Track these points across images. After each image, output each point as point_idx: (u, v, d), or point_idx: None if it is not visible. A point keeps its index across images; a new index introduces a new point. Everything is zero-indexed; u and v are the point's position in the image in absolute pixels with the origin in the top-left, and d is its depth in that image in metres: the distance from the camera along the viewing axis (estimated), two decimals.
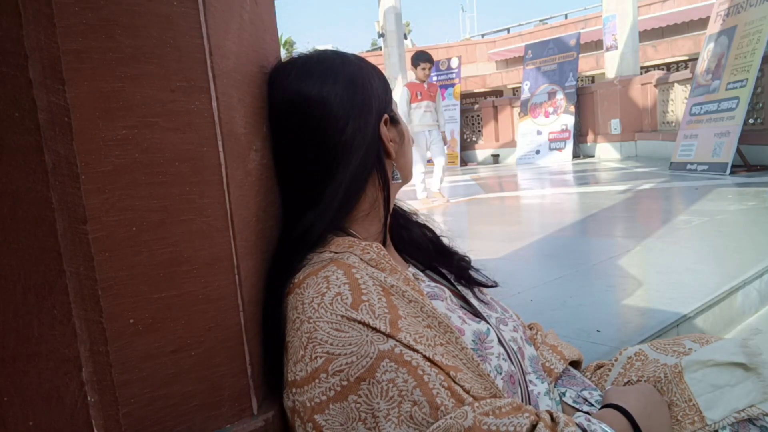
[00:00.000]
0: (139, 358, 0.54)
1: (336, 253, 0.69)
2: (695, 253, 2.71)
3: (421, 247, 0.87)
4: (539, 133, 10.47)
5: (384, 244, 0.77)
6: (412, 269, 0.80)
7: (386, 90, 0.79)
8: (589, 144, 10.46)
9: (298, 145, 0.73)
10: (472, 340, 0.69)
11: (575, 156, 10.14)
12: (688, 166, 6.44)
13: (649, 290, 2.11)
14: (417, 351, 0.59)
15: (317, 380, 0.59)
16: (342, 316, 0.60)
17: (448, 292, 0.77)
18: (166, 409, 0.57)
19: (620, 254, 2.65)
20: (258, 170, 0.71)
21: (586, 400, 0.79)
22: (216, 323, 0.60)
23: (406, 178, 0.82)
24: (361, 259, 0.68)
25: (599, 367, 0.91)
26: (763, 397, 0.74)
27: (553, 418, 0.61)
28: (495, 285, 0.88)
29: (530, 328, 0.93)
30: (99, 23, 0.51)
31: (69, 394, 0.51)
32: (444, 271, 0.85)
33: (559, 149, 10.15)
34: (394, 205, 0.87)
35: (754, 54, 5.78)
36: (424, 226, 0.91)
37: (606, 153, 9.96)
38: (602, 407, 0.73)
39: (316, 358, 0.60)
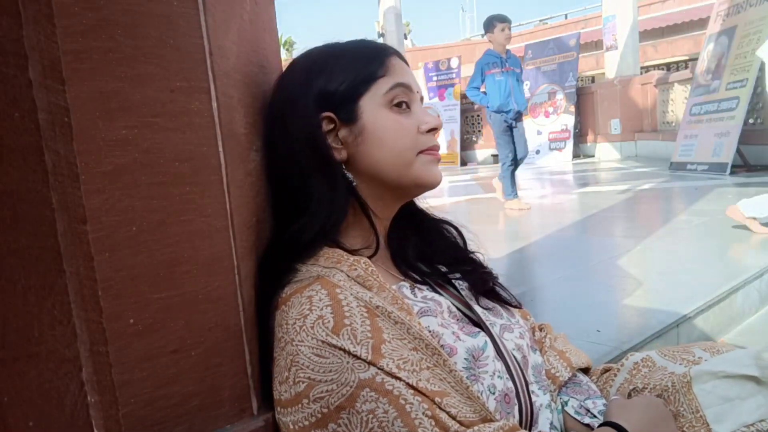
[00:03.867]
0: (139, 358, 0.54)
1: (324, 268, 0.67)
2: (695, 253, 2.71)
3: (435, 255, 0.82)
4: (539, 133, 10.46)
5: (376, 253, 0.73)
6: (407, 283, 0.75)
7: (344, 80, 0.71)
8: (589, 144, 10.45)
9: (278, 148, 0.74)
10: (465, 359, 0.67)
11: (575, 156, 10.14)
12: (688, 166, 6.44)
13: (649, 290, 2.11)
14: (400, 379, 0.58)
15: (300, 405, 0.59)
16: (323, 342, 0.59)
17: (446, 304, 0.73)
18: (166, 409, 0.57)
19: (620, 254, 2.65)
20: (258, 170, 0.71)
21: (588, 410, 0.77)
22: (216, 323, 0.60)
23: (378, 178, 0.73)
24: (348, 276, 0.66)
25: (606, 371, 0.89)
26: None
27: None
28: (519, 306, 0.85)
29: (540, 329, 0.90)
30: (99, 23, 0.51)
31: (69, 394, 0.51)
32: (457, 280, 0.80)
33: (559, 149, 10.15)
34: (416, 206, 0.83)
35: (754, 54, 5.77)
36: (449, 233, 0.86)
37: (606, 153, 9.95)
38: (602, 424, 0.71)
39: (298, 382, 0.59)
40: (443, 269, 0.81)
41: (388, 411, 0.57)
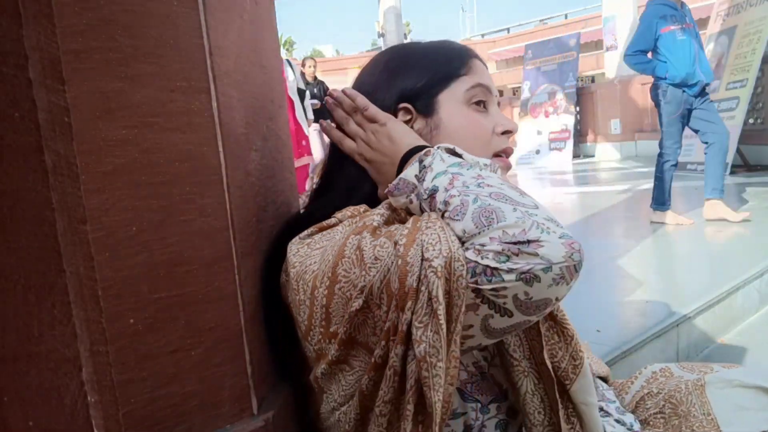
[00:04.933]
0: (139, 358, 0.54)
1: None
2: (695, 253, 2.71)
3: None
4: (539, 133, 10.45)
5: None
6: None
7: (425, 75, 0.73)
8: (589, 144, 10.45)
9: None
10: None
11: (575, 156, 10.13)
12: (688, 166, 6.44)
13: (649, 290, 2.11)
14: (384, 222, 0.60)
15: (315, 301, 0.60)
16: (309, 235, 0.64)
17: None
18: (166, 409, 0.57)
19: (620, 254, 2.65)
20: (258, 170, 0.71)
21: (601, 409, 0.77)
22: (216, 323, 0.60)
23: None
24: (352, 215, 0.67)
25: (621, 384, 0.90)
26: None
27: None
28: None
29: None
30: (99, 23, 0.51)
31: (69, 394, 0.51)
32: None
33: (559, 149, 10.14)
34: None
35: (754, 54, 5.77)
36: None
37: (606, 153, 9.95)
38: None
39: (306, 286, 0.60)
40: None
41: (366, 238, 0.57)
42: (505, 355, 0.64)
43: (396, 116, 0.73)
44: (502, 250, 0.51)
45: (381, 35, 12.03)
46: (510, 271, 0.50)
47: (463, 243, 0.54)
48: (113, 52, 0.52)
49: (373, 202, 0.71)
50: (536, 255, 0.50)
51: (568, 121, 10.15)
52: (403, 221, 0.63)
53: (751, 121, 6.21)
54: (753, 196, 4.19)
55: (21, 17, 0.47)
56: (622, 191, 5.19)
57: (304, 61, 6.97)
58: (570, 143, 10.06)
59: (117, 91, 0.52)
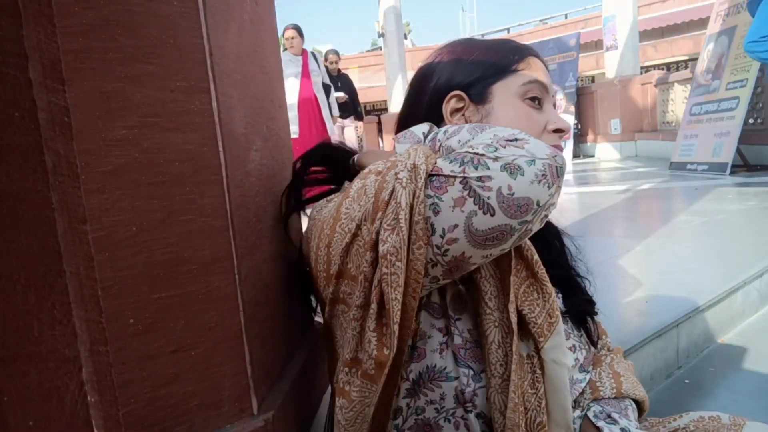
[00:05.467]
0: (139, 358, 0.54)
1: None
2: (695, 253, 2.71)
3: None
4: None
5: None
6: None
7: (482, 65, 0.75)
8: (589, 144, 10.45)
9: None
10: None
11: (575, 156, 10.13)
12: (688, 166, 6.44)
13: (649, 290, 2.11)
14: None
15: (320, 243, 0.64)
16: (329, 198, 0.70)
17: None
18: (166, 409, 0.57)
19: (620, 254, 2.65)
20: (258, 170, 0.71)
21: (609, 416, 0.75)
22: (216, 323, 0.60)
23: None
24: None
25: (661, 420, 0.86)
26: None
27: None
28: (594, 345, 0.82)
29: (608, 350, 0.88)
30: (99, 23, 0.51)
31: (69, 394, 0.51)
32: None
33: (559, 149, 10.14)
34: None
35: None
36: (559, 243, 0.85)
37: (606, 153, 9.95)
38: None
39: (317, 231, 0.66)
40: None
41: (370, 177, 0.61)
42: (480, 302, 0.65)
43: (447, 102, 0.75)
44: (491, 142, 0.56)
45: (381, 35, 12.03)
46: (496, 159, 0.55)
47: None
48: (113, 52, 0.52)
49: None
50: (522, 148, 0.55)
51: (568, 120, 10.14)
52: None
53: (751, 121, 6.21)
54: (753, 196, 4.19)
55: (21, 17, 0.47)
56: (622, 191, 5.19)
57: (326, 55, 6.60)
58: (570, 143, 10.06)
59: (117, 91, 0.52)
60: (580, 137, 10.41)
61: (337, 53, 6.72)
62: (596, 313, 0.83)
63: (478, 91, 0.74)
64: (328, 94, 5.14)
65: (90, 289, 0.51)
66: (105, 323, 0.52)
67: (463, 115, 0.74)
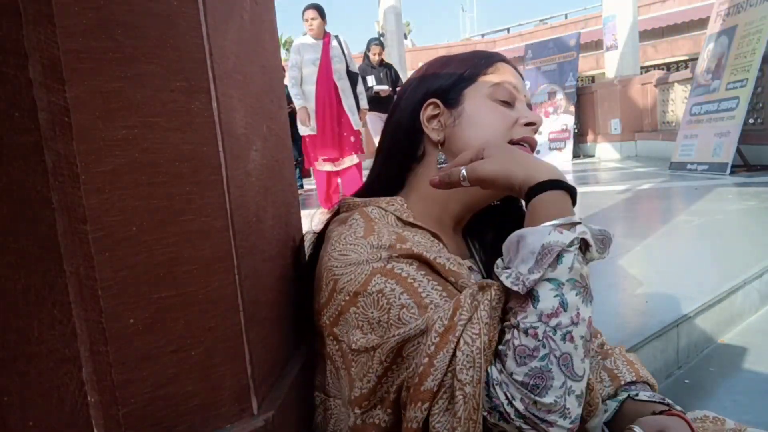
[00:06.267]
0: (139, 358, 0.54)
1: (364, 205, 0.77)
2: (695, 253, 2.71)
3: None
4: (539, 132, 10.43)
5: (442, 231, 0.78)
6: (468, 262, 0.79)
7: (454, 74, 0.80)
8: (589, 144, 10.45)
9: None
10: None
11: (575, 156, 10.13)
12: (688, 166, 6.44)
13: (649, 290, 2.11)
14: (413, 256, 0.64)
15: (332, 301, 0.68)
16: (350, 243, 0.68)
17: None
18: (166, 409, 0.57)
19: (620, 254, 2.65)
20: (258, 170, 0.71)
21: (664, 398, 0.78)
22: (216, 323, 0.60)
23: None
24: (385, 210, 0.75)
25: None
26: None
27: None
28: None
29: (612, 348, 0.92)
30: (99, 23, 0.51)
31: (69, 394, 0.51)
32: None
33: (559, 149, 10.15)
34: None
35: (754, 54, 5.77)
36: None
37: (606, 153, 9.95)
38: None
39: (329, 282, 0.68)
40: None
41: (395, 289, 0.63)
42: None
43: (425, 110, 0.79)
44: (524, 413, 0.57)
45: (381, 35, 12.02)
46: (518, 429, 0.57)
47: (503, 365, 0.58)
48: (113, 52, 0.52)
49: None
50: (544, 431, 0.57)
51: (568, 121, 10.14)
52: (435, 269, 0.67)
53: (751, 121, 6.21)
54: (753, 196, 4.19)
55: (21, 17, 0.47)
56: (622, 191, 5.19)
57: (369, 45, 5.93)
58: (570, 143, 10.06)
59: (117, 91, 0.52)
60: (580, 137, 10.41)
61: (381, 43, 6.06)
62: None
63: (451, 97, 0.79)
64: (355, 83, 4.55)
65: (90, 289, 0.51)
66: (105, 323, 0.52)
67: (439, 120, 0.79)
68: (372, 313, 0.63)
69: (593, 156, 10.23)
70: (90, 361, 0.51)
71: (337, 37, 4.57)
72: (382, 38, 10.76)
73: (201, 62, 0.58)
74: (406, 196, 0.80)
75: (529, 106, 0.83)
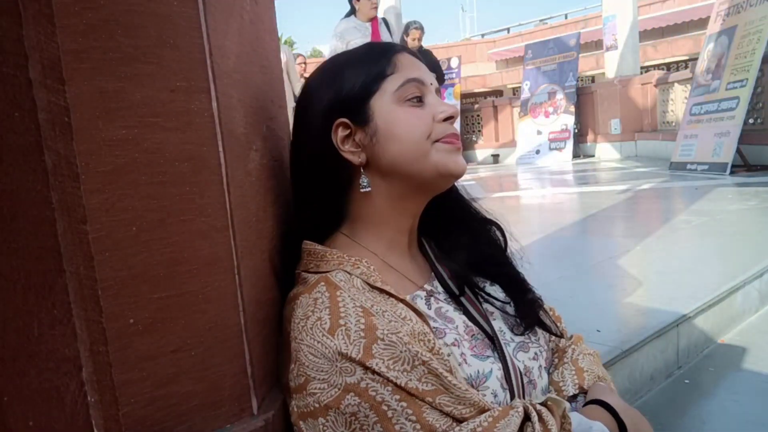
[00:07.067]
0: (139, 358, 0.54)
1: (331, 266, 0.70)
2: (695, 253, 2.71)
3: (476, 259, 0.80)
4: (539, 132, 10.46)
5: (398, 251, 0.75)
6: (422, 293, 0.75)
7: (351, 83, 0.71)
8: (589, 144, 10.45)
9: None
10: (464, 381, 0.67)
11: (575, 156, 10.13)
12: (688, 166, 6.44)
13: (649, 290, 2.11)
14: (388, 380, 0.60)
15: (301, 394, 0.63)
16: (318, 342, 0.62)
17: (461, 320, 0.72)
18: (166, 409, 0.57)
19: (620, 254, 2.65)
20: (258, 170, 0.71)
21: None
22: (216, 323, 0.60)
23: (398, 175, 0.72)
24: (351, 274, 0.68)
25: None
26: None
27: (542, 418, 0.61)
28: (561, 336, 0.83)
29: (568, 339, 0.86)
30: (99, 23, 0.51)
31: (69, 394, 0.51)
32: (491, 286, 0.79)
33: (559, 149, 10.15)
34: (460, 203, 0.83)
35: (754, 54, 5.78)
36: (494, 235, 0.84)
37: (606, 153, 9.95)
38: (588, 402, 0.73)
39: (299, 375, 0.63)
40: (479, 279, 0.80)
41: (369, 416, 0.60)
42: None
43: (335, 132, 0.71)
44: None
45: None
46: None
47: None
48: (113, 52, 0.52)
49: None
50: None
51: (568, 120, 10.15)
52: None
53: (751, 121, 6.22)
54: (753, 196, 4.19)
55: (21, 17, 0.47)
56: (622, 191, 5.19)
57: (408, 29, 5.53)
58: (570, 143, 10.07)
59: (117, 91, 0.52)
60: (580, 137, 10.42)
61: (421, 27, 5.58)
62: (543, 306, 0.82)
63: (358, 113, 0.71)
64: None
65: (90, 288, 0.51)
66: (105, 323, 0.52)
67: (354, 140, 0.71)
68: (342, 431, 0.61)
69: (593, 156, 10.23)
70: (90, 361, 0.51)
71: (384, 19, 4.37)
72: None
73: (201, 62, 0.58)
74: (352, 227, 0.75)
75: (438, 91, 0.76)
